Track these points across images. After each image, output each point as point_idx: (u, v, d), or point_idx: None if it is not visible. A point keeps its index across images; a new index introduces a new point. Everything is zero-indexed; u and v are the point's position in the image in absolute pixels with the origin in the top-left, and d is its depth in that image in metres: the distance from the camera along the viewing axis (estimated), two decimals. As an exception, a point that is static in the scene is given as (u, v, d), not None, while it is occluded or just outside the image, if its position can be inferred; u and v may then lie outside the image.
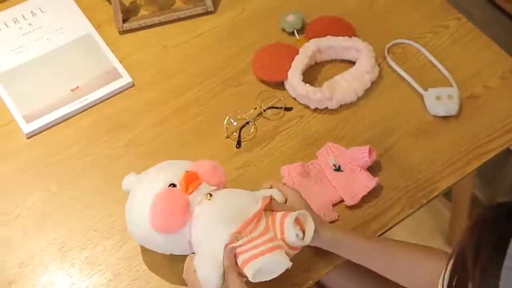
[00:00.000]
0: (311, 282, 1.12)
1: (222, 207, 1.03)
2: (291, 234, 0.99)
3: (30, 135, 1.27)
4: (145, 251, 1.13)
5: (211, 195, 1.04)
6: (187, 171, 1.06)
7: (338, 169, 1.21)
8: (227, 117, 1.30)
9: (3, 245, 1.15)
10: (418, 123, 1.30)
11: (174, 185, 1.04)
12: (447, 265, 0.78)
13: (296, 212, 1.00)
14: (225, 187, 1.10)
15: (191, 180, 1.04)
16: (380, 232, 1.17)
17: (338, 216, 1.17)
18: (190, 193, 1.03)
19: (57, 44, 1.39)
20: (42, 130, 1.28)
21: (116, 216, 1.18)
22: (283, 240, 1.00)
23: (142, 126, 1.30)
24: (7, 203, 1.19)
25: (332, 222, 1.16)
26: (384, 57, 1.39)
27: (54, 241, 1.15)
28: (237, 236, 0.98)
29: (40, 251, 1.14)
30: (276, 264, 0.98)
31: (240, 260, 0.98)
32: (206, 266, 0.99)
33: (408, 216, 1.19)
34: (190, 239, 1.03)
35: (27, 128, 1.27)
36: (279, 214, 1.02)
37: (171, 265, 1.12)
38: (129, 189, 1.09)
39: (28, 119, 1.28)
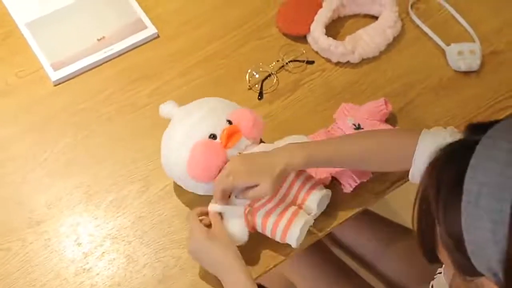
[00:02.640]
0: (320, 235, 1.14)
1: None
2: (312, 209, 1.08)
3: (57, 83, 1.30)
4: (167, 197, 1.17)
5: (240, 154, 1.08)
6: (228, 121, 1.10)
7: (358, 127, 1.22)
8: (249, 70, 1.32)
9: (32, 187, 1.19)
10: (439, 78, 1.31)
11: (214, 136, 1.08)
12: (413, 210, 0.78)
13: (325, 191, 1.09)
14: (258, 142, 1.14)
15: (232, 135, 1.08)
16: (394, 186, 1.18)
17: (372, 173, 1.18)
18: (230, 147, 1.08)
19: (83, -5, 1.41)
20: (69, 78, 1.31)
21: (139, 163, 1.21)
22: (300, 207, 1.08)
23: (166, 76, 1.32)
24: (35, 148, 1.23)
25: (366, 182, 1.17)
26: (408, 13, 1.39)
27: (80, 185, 1.19)
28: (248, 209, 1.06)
29: (67, 194, 1.18)
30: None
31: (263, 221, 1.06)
32: (233, 222, 1.06)
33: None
34: None
35: (55, 75, 1.30)
36: (307, 185, 1.09)
37: (193, 209, 1.15)
38: (168, 117, 1.14)
39: (56, 67, 1.31)
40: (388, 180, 1.18)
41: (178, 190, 1.18)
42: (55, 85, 1.30)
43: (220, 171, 1.06)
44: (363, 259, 1.40)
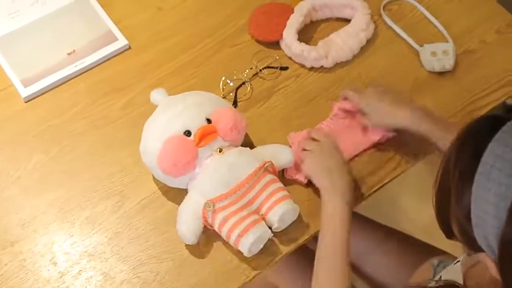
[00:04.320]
0: (307, 237, 1.14)
1: (219, 168, 1.08)
2: (273, 222, 1.09)
3: (28, 99, 1.28)
4: (143, 211, 1.16)
5: (221, 150, 1.09)
6: (208, 119, 1.10)
7: None
8: (223, 78, 1.30)
9: (5, 207, 1.17)
10: (414, 79, 1.30)
11: (189, 133, 1.08)
12: (437, 174, 0.80)
13: (291, 206, 1.09)
14: (238, 145, 1.14)
15: (206, 134, 1.09)
16: (377, 187, 1.18)
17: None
18: (202, 146, 1.08)
19: (52, 8, 1.38)
20: (40, 94, 1.29)
21: (114, 177, 1.20)
22: (262, 217, 1.08)
23: (138, 88, 1.30)
24: (8, 165, 1.21)
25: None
26: (380, 15, 1.39)
27: (54, 202, 1.17)
28: (209, 204, 1.06)
29: (41, 212, 1.16)
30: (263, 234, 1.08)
31: (221, 224, 1.07)
32: (186, 221, 1.08)
33: (403, 172, 1.20)
34: (189, 183, 1.10)
35: (25, 92, 1.28)
36: (274, 197, 1.09)
37: (171, 222, 1.13)
38: (156, 104, 1.15)
39: (26, 83, 1.29)
40: (367, 184, 1.18)
41: (155, 203, 1.16)
42: (26, 102, 1.28)
43: (189, 167, 1.07)
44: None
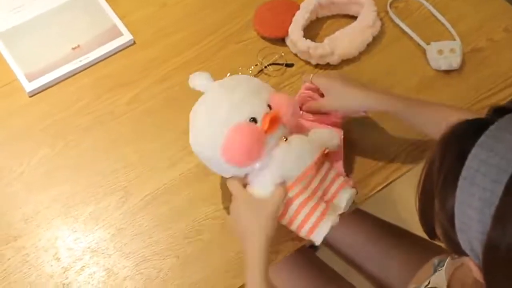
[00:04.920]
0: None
1: (289, 157, 1.03)
2: (340, 207, 1.07)
3: (33, 94, 1.28)
4: (147, 207, 1.15)
5: (286, 139, 1.04)
6: (268, 105, 1.03)
7: None
8: (228, 74, 1.30)
9: (9, 201, 1.16)
10: (420, 77, 1.30)
11: (255, 120, 1.01)
12: (422, 171, 0.79)
13: (354, 190, 1.08)
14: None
15: (275, 122, 1.01)
16: (381, 186, 1.18)
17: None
18: (269, 133, 1.01)
19: (57, 2, 1.38)
20: (44, 88, 1.29)
21: (119, 173, 1.19)
22: (328, 203, 1.06)
23: (143, 83, 1.30)
24: (11, 160, 1.21)
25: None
26: (387, 12, 1.38)
27: (58, 198, 1.17)
28: None
29: (45, 207, 1.16)
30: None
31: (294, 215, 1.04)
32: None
33: (408, 170, 1.20)
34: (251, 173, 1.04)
35: (29, 86, 1.27)
36: (336, 183, 1.07)
37: (174, 219, 1.13)
38: (199, 89, 1.05)
39: (30, 77, 1.28)
40: (372, 182, 1.17)
41: (158, 200, 1.16)
42: (30, 96, 1.28)
43: (258, 156, 1.01)
44: (350, 258, 1.39)
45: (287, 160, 1.03)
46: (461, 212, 0.71)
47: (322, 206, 1.04)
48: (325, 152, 1.08)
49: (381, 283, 1.34)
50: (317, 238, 1.04)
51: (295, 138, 1.06)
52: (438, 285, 1.02)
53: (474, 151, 0.70)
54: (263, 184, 1.03)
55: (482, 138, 0.70)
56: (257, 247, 1.00)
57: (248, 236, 1.02)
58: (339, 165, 1.16)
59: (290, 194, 1.03)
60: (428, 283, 1.07)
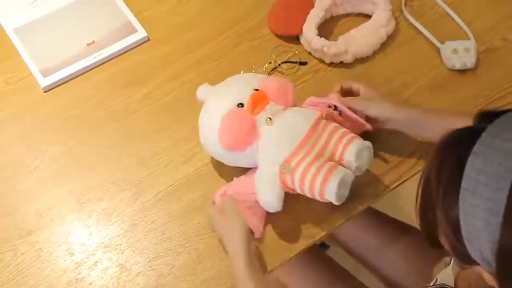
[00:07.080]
0: (324, 234, 1.13)
1: (279, 132, 1.07)
2: (351, 163, 1.05)
3: (47, 89, 1.29)
4: (160, 203, 1.15)
5: (270, 119, 1.07)
6: (255, 89, 1.09)
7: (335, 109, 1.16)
8: (242, 72, 1.30)
9: (22, 196, 1.17)
10: (435, 76, 1.29)
11: (241, 105, 1.08)
12: (417, 189, 0.78)
13: (366, 142, 1.06)
14: (294, 106, 1.13)
15: (258, 101, 1.08)
16: (395, 185, 1.17)
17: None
18: (257, 113, 1.07)
19: (72, -2, 1.39)
20: (58, 84, 1.29)
21: (132, 169, 1.20)
22: (339, 163, 1.05)
23: (157, 80, 1.30)
24: (26, 155, 1.22)
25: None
26: (401, 11, 1.37)
27: (71, 193, 1.17)
28: (284, 165, 1.04)
29: (58, 203, 1.16)
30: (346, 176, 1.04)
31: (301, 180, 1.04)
32: (265, 189, 1.06)
33: (422, 169, 1.19)
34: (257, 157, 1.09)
35: (44, 82, 1.28)
36: (345, 139, 1.06)
37: (187, 216, 1.14)
38: (203, 99, 1.14)
39: (45, 73, 1.29)
40: (385, 181, 1.17)
41: (171, 196, 1.16)
42: (45, 92, 1.29)
43: (250, 137, 1.07)
44: (363, 257, 1.39)
45: (279, 134, 1.06)
46: (466, 223, 0.70)
47: (329, 164, 1.03)
48: (323, 115, 1.08)
49: (393, 283, 1.34)
50: (330, 195, 1.03)
51: (286, 112, 1.09)
52: (445, 282, 1.01)
53: (471, 159, 0.70)
54: (270, 160, 1.06)
55: (477, 147, 0.70)
56: (237, 239, 1.04)
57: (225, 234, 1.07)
58: (353, 118, 1.14)
59: (293, 163, 1.04)
60: (436, 280, 1.07)
